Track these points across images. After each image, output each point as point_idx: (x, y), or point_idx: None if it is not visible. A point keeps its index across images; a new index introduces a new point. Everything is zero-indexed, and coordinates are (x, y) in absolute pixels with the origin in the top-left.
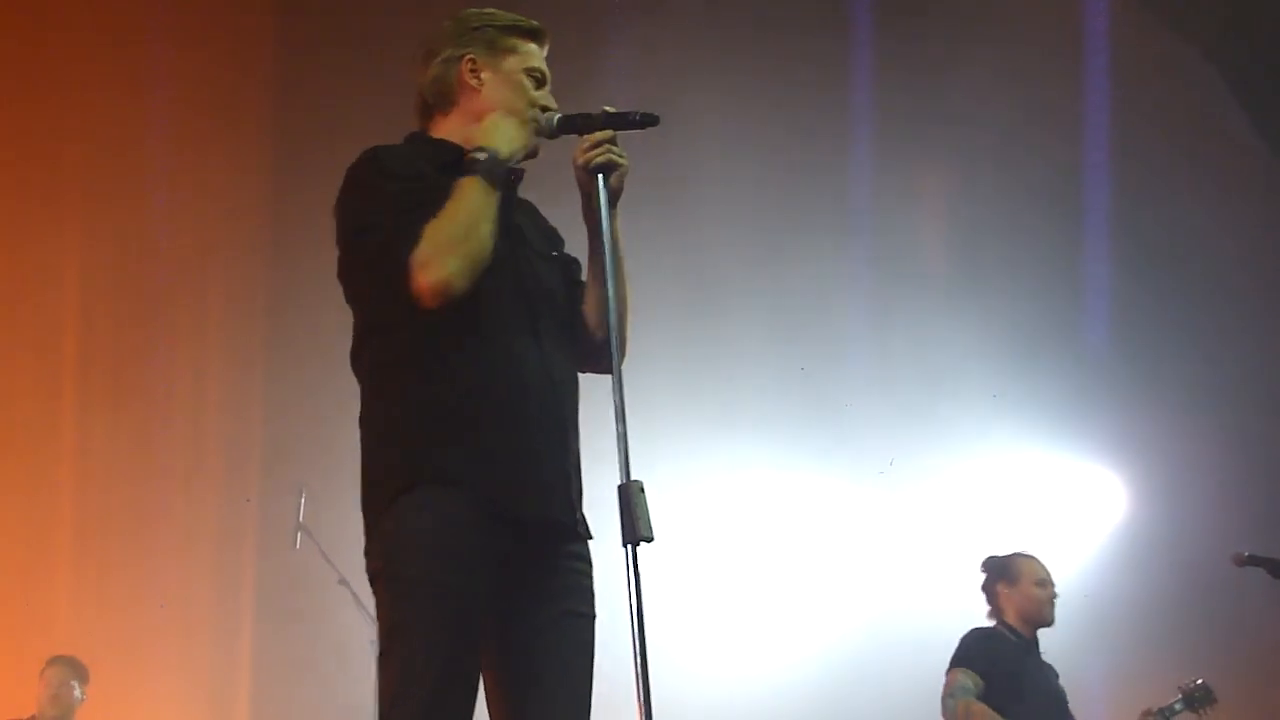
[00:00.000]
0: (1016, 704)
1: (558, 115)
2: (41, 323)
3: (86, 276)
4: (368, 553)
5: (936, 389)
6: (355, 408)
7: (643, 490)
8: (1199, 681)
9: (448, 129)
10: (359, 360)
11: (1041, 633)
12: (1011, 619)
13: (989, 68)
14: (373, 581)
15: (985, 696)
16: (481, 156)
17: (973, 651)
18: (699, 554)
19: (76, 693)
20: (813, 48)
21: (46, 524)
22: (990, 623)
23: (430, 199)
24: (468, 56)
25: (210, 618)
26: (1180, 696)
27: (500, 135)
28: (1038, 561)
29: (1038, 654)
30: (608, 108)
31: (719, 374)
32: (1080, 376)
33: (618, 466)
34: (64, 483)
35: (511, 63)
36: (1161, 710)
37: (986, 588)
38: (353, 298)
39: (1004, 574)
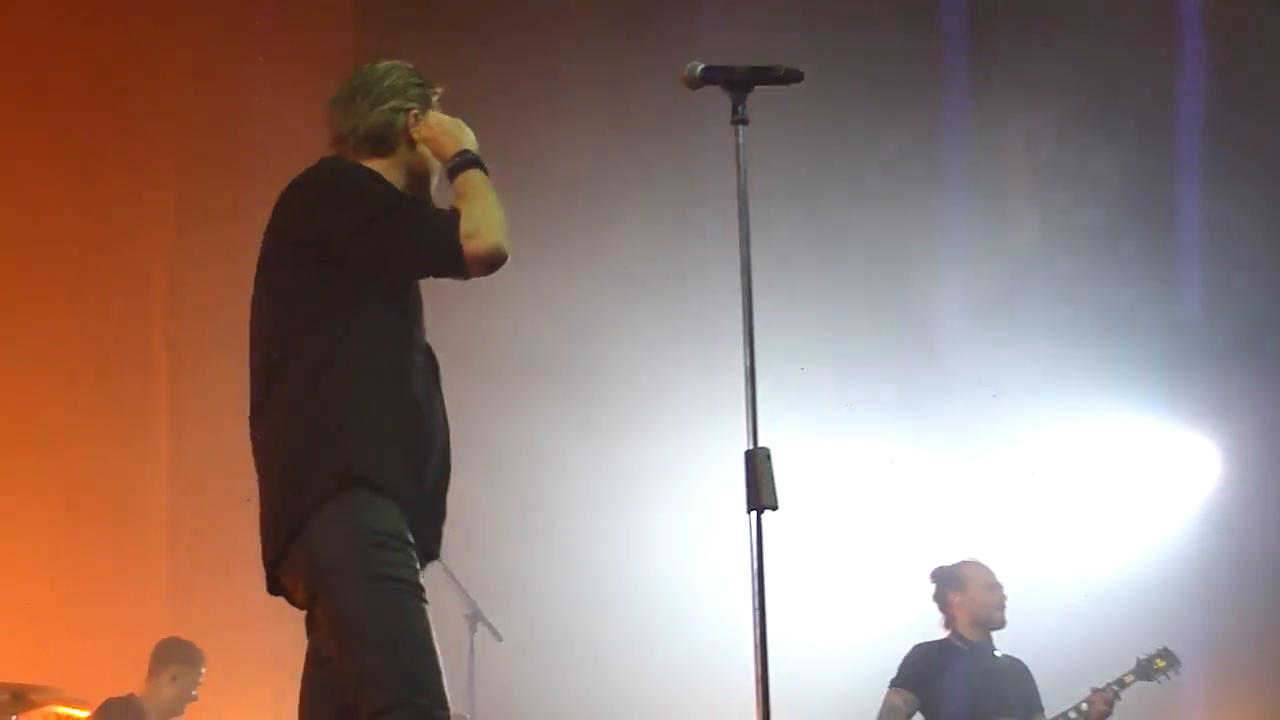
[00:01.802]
0: (961, 716)
1: (700, 66)
2: (132, 304)
3: (180, 245)
4: (315, 543)
5: (1031, 358)
6: (454, 389)
7: (769, 457)
8: (1159, 649)
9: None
10: (290, 357)
11: (1143, 603)
12: (963, 627)
13: (1081, 37)
14: (329, 572)
15: (927, 710)
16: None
17: (911, 670)
18: (811, 522)
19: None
20: (901, 19)
21: (142, 505)
22: (944, 633)
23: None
24: (413, 111)
25: None
26: (1133, 666)
27: (466, 138)
28: (984, 567)
29: (991, 657)
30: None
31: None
32: (1174, 343)
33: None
34: (160, 458)
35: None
36: (1110, 685)
37: (938, 597)
38: (308, 289)
39: (953, 583)
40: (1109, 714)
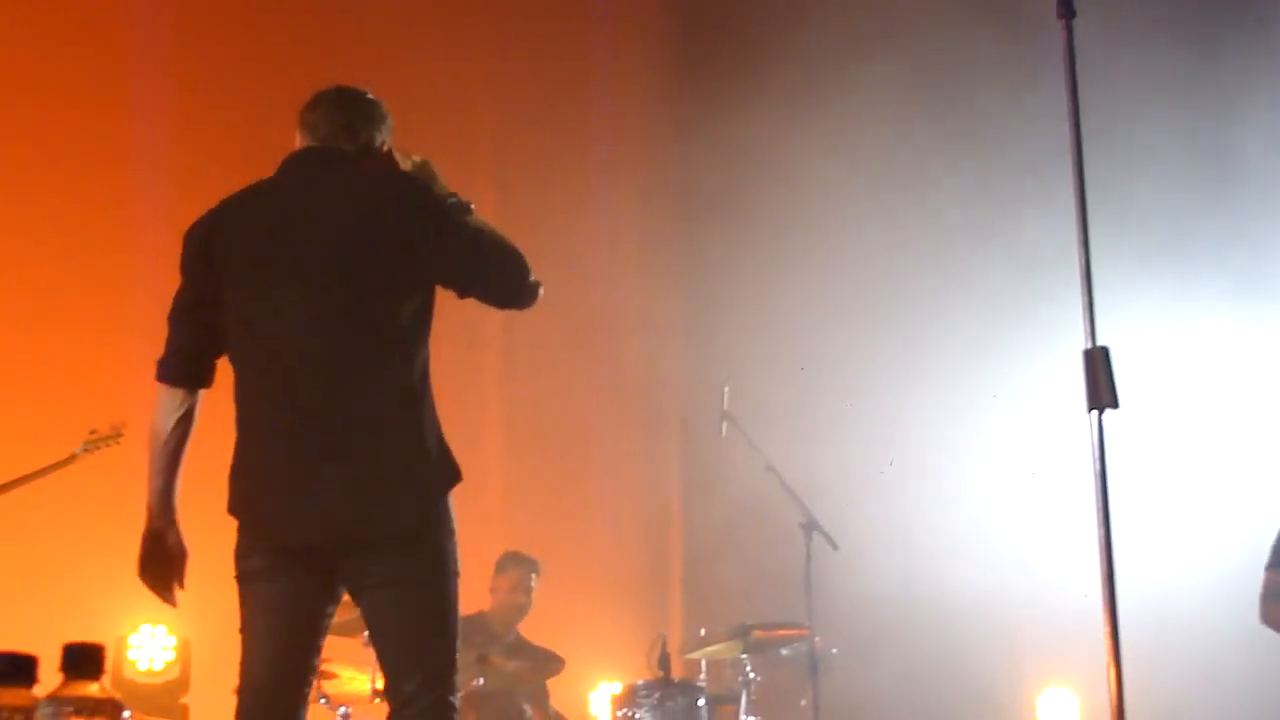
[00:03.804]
0: None
1: None
2: None
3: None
4: (443, 516)
5: None
6: (776, 303)
7: (1109, 356)
8: None
9: None
10: (399, 348)
11: None
12: None
13: None
14: (447, 544)
15: None
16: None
17: None
18: (1153, 420)
19: (532, 583)
20: None
21: (478, 421)
22: None
23: None
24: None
25: (641, 503)
26: None
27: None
28: None
29: None
30: None
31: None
32: None
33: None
34: (489, 382)
35: None
36: None
37: None
38: (421, 295)
39: None
40: None
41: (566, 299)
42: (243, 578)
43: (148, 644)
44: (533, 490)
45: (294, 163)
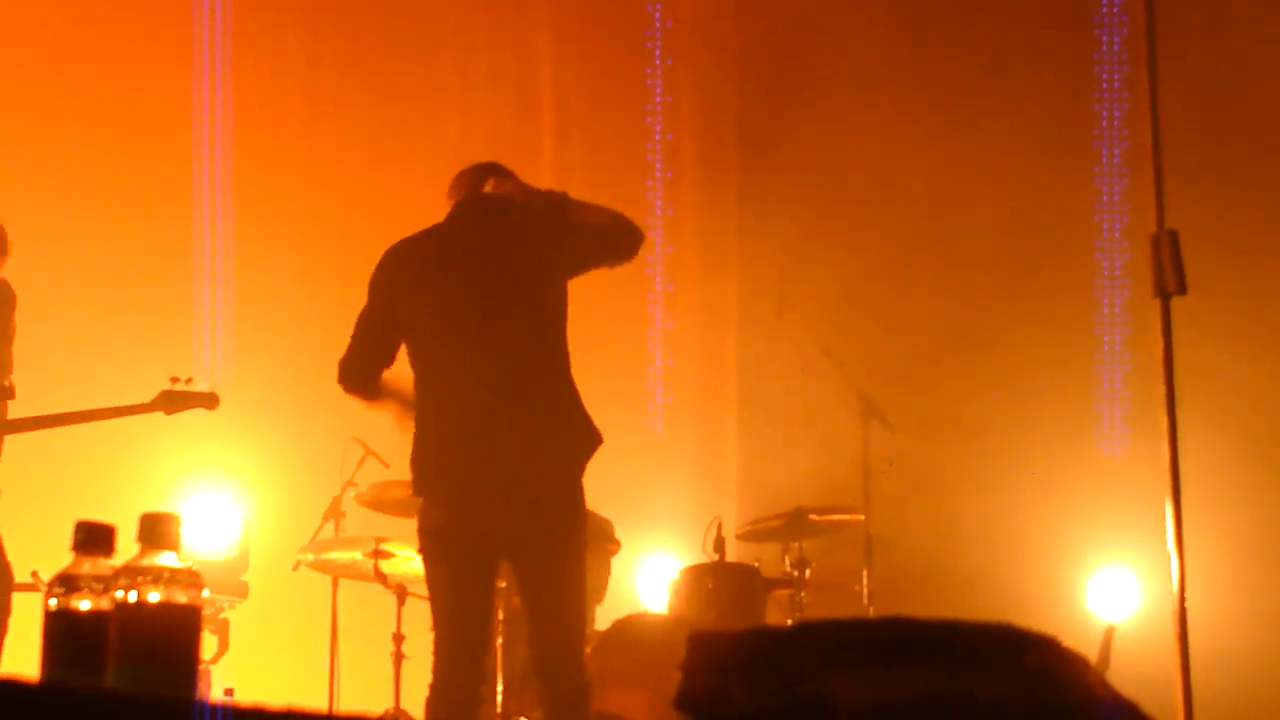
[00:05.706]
0: None
1: None
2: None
3: None
4: (578, 503)
5: None
6: (834, 185)
7: (1176, 241)
8: None
9: None
10: (557, 327)
11: None
12: None
13: None
14: (581, 519)
15: None
16: None
17: None
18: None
19: None
20: None
21: None
22: None
23: None
24: None
25: (697, 386)
26: None
27: None
28: None
29: None
30: None
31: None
32: None
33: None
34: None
35: None
36: None
37: None
38: (562, 281)
39: None
40: None
41: (621, 197)
42: (430, 538)
43: (206, 520)
44: (586, 372)
45: (458, 210)
